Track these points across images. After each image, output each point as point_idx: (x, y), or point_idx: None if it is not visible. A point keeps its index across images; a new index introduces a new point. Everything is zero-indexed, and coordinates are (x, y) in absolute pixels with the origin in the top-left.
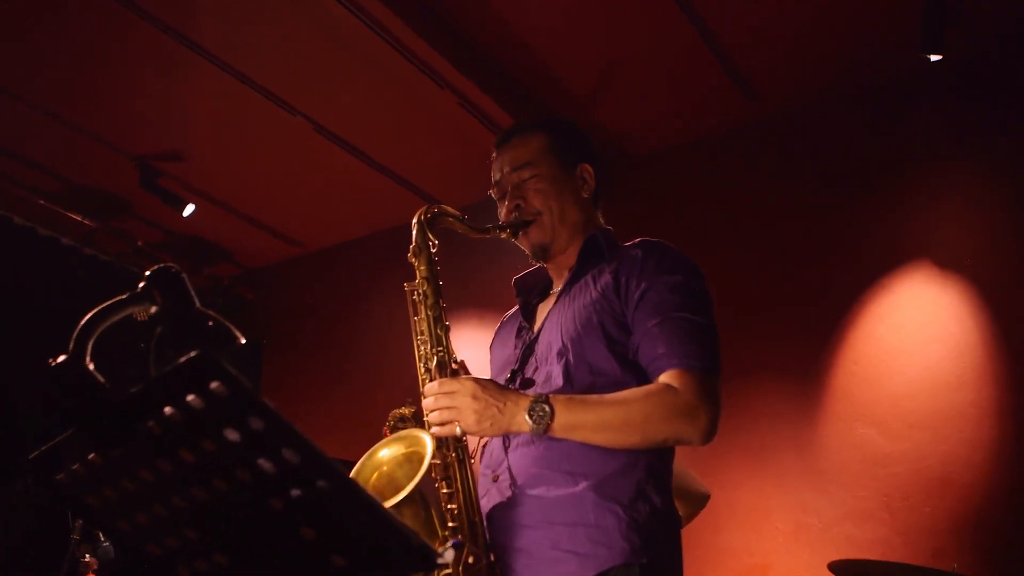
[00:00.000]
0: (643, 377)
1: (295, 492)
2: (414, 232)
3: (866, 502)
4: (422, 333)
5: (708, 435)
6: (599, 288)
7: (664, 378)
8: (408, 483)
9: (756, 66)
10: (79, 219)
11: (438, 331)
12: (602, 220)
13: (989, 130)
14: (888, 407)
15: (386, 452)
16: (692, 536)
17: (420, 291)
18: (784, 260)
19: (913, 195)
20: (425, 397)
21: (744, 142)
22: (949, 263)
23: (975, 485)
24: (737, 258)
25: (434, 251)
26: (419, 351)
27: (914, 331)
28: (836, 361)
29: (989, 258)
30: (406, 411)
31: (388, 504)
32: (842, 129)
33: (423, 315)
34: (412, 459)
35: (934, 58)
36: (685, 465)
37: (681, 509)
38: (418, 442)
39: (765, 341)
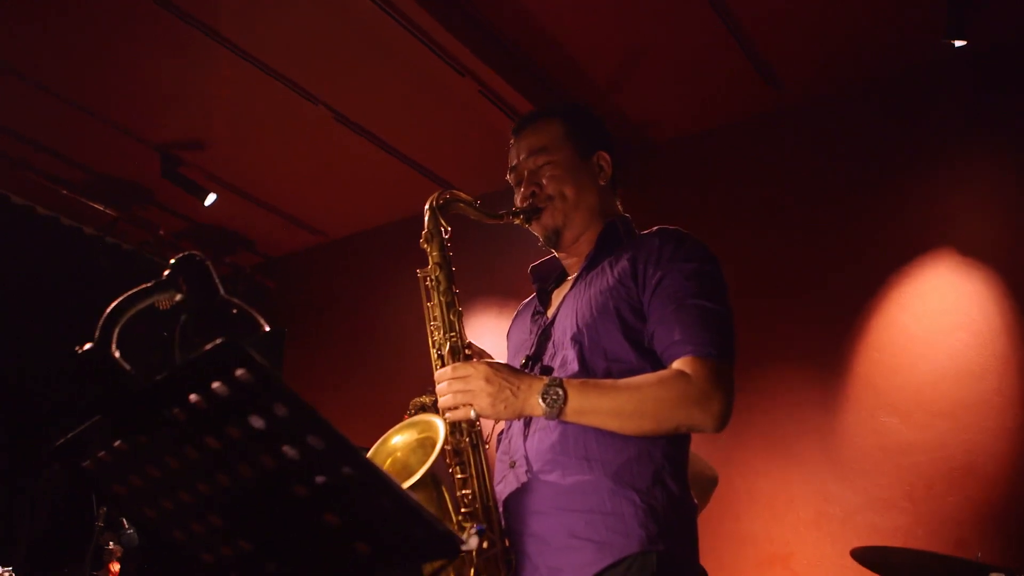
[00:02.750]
0: (658, 364)
1: (319, 478)
2: (426, 218)
3: (888, 491)
4: (435, 319)
5: (721, 422)
6: (616, 274)
7: (678, 364)
8: (421, 468)
9: (778, 53)
10: (101, 208)
11: (451, 316)
12: (620, 207)
13: (1013, 117)
14: (911, 395)
15: (399, 439)
16: (712, 524)
17: (432, 277)
18: (805, 248)
19: (936, 182)
20: (438, 383)
21: (766, 129)
22: (972, 251)
23: (998, 474)
24: (758, 246)
25: (447, 237)
26: (432, 337)
27: (937, 319)
28: (858, 349)
29: (1013, 246)
30: (427, 399)
31: None
32: (864, 116)
33: (436, 301)
34: (425, 444)
35: (958, 43)
36: (705, 452)
37: None
38: (431, 427)
39: (787, 329)
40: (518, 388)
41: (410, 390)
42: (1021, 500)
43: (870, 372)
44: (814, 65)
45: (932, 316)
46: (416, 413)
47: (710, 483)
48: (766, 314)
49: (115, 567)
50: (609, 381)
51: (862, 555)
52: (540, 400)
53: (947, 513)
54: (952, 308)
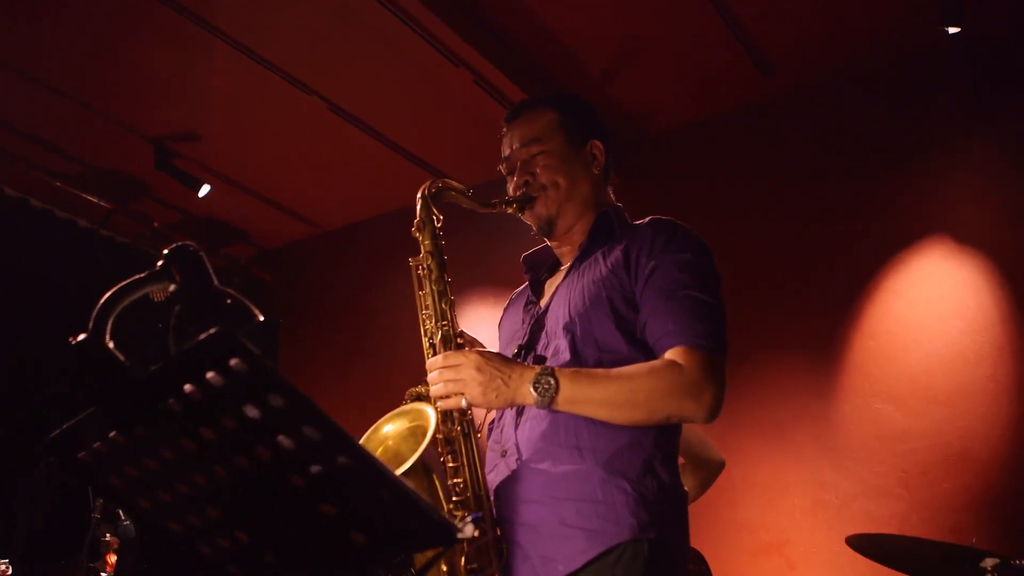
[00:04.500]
0: (650, 355)
1: (315, 468)
2: (418, 207)
3: (884, 478)
4: (427, 307)
5: (712, 414)
6: (609, 265)
7: (670, 355)
8: (412, 456)
9: (773, 42)
10: (96, 201)
11: (443, 305)
12: (612, 196)
13: (1008, 105)
14: (906, 383)
15: (390, 427)
16: (708, 512)
17: (424, 265)
18: (801, 236)
19: (931, 170)
20: (429, 371)
21: (761, 119)
22: (968, 239)
23: (993, 460)
24: (753, 235)
25: (439, 225)
26: (424, 326)
27: (932, 306)
28: (853, 337)
29: (1008, 233)
30: (423, 389)
31: None
32: (859, 105)
33: (428, 289)
34: (416, 433)
35: (952, 30)
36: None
37: (696, 476)
38: (422, 416)
39: (782, 317)
40: (509, 377)
41: (406, 380)
42: (1016, 486)
43: (865, 360)
44: (809, 54)
45: (927, 304)
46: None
47: (718, 467)
48: (761, 303)
49: (112, 559)
50: (601, 371)
51: (857, 542)
52: (532, 389)
53: (942, 500)
54: (947, 295)
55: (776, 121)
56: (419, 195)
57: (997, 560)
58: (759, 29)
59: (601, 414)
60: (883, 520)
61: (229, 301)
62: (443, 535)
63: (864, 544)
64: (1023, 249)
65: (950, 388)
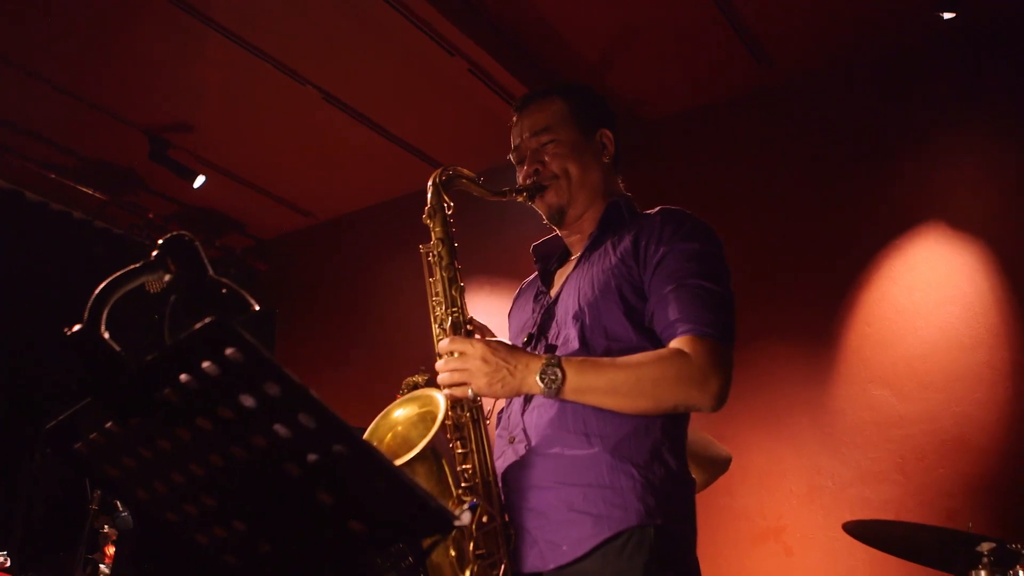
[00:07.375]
0: (658, 344)
1: (312, 457)
2: (429, 194)
3: (880, 464)
4: (437, 294)
5: (719, 402)
6: (618, 254)
7: (676, 344)
8: (421, 442)
9: (769, 30)
10: (90, 192)
11: (453, 292)
12: (622, 186)
13: (1003, 91)
14: (902, 369)
15: (400, 412)
16: (705, 499)
17: (435, 252)
18: (797, 223)
19: (927, 157)
20: (439, 356)
21: (757, 106)
22: (963, 224)
23: (989, 446)
24: (750, 222)
25: (449, 213)
26: (434, 312)
27: (928, 292)
28: (849, 323)
29: (1003, 219)
30: (419, 379)
31: (401, 461)
32: (855, 91)
33: (438, 276)
34: (426, 419)
35: (947, 16)
36: (699, 427)
37: (701, 474)
38: (432, 402)
39: (778, 304)
40: (515, 367)
41: (403, 370)
42: (1012, 471)
43: (861, 345)
44: (804, 41)
45: (923, 289)
46: (408, 393)
47: (725, 462)
48: (757, 289)
49: (110, 550)
50: (608, 360)
51: (854, 528)
52: (538, 380)
53: (938, 485)
54: (943, 281)
55: (772, 109)
56: (430, 182)
57: (993, 544)
58: (755, 17)
59: (608, 403)
60: (879, 505)
61: (225, 291)
62: (440, 523)
63: (861, 530)
64: (1018, 235)
65: (946, 374)
